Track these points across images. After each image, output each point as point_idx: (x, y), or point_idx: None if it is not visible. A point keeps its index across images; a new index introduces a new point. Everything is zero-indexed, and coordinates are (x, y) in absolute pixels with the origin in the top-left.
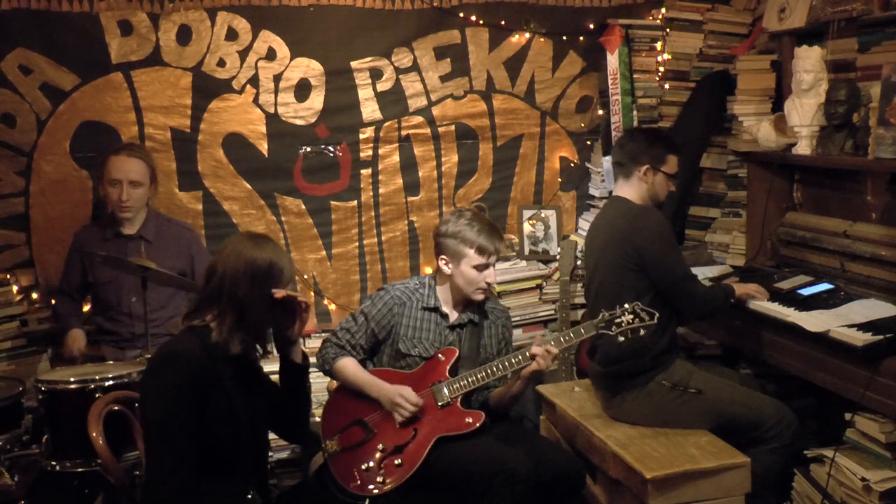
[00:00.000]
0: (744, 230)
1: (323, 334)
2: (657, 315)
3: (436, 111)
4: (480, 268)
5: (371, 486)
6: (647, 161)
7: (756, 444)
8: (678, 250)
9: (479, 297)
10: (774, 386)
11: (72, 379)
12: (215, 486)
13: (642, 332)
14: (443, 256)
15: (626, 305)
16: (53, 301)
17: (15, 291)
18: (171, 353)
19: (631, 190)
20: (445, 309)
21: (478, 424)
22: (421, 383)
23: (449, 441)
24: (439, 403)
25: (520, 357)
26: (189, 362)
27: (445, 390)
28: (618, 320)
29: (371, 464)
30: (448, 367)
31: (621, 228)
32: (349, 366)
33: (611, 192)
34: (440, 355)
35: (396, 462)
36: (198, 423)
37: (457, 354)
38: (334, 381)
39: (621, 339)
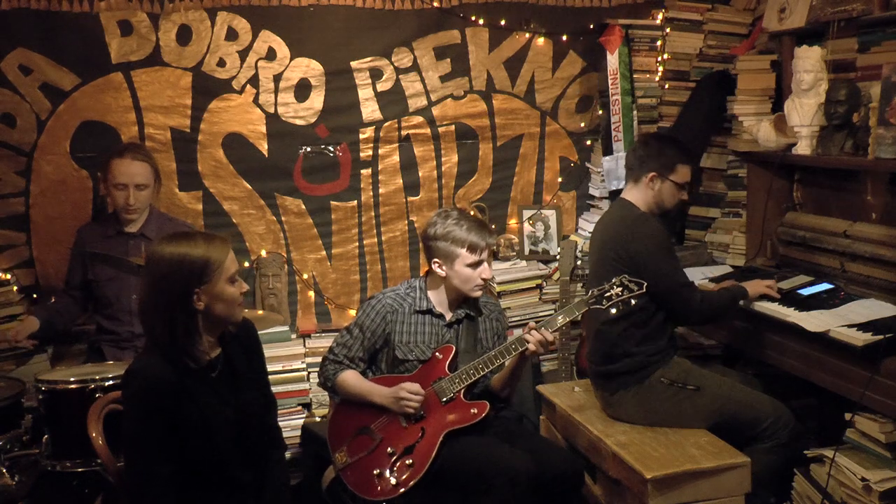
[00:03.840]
0: (744, 230)
1: (323, 334)
2: (646, 284)
3: (436, 111)
4: (474, 265)
5: (387, 490)
6: (654, 168)
7: (753, 443)
8: (675, 258)
9: (478, 293)
10: (774, 386)
11: (72, 379)
12: (208, 501)
13: (633, 302)
14: (435, 259)
15: (614, 279)
16: (54, 299)
17: (15, 291)
18: (130, 373)
19: (637, 195)
20: (440, 309)
21: (483, 414)
22: (422, 383)
23: (457, 435)
24: (443, 399)
25: (516, 345)
26: (146, 382)
27: (447, 386)
28: (607, 294)
29: (383, 468)
30: (447, 364)
31: (619, 232)
32: (350, 378)
33: (610, 192)
34: (438, 353)
35: (408, 462)
36: (171, 440)
37: (454, 351)
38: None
39: (613, 311)
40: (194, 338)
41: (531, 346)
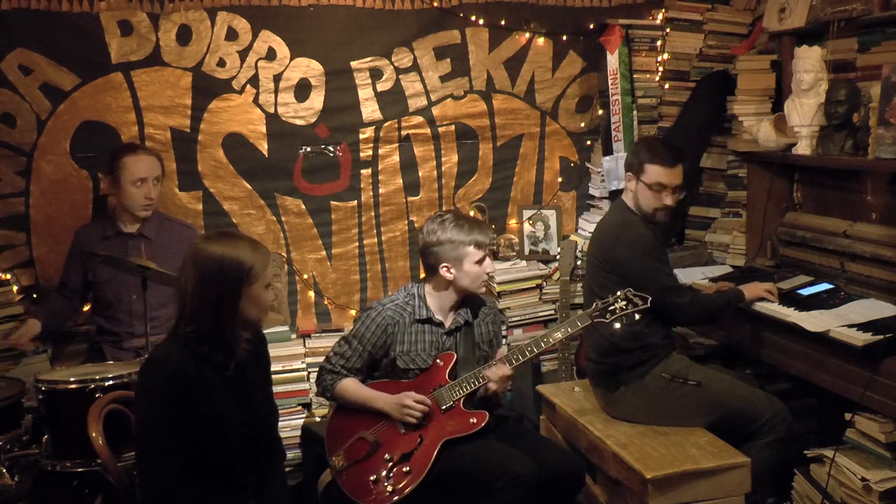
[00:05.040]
0: (744, 230)
1: (323, 334)
2: (650, 299)
3: (436, 111)
4: (480, 261)
5: (382, 497)
6: (628, 167)
7: (751, 439)
8: (660, 263)
9: (483, 289)
10: (774, 386)
11: (72, 379)
12: (211, 496)
13: (637, 316)
14: (444, 264)
15: (619, 293)
16: (35, 296)
17: (15, 291)
18: (152, 360)
19: (627, 195)
20: (439, 317)
21: (482, 424)
22: (422, 390)
23: (455, 443)
24: (442, 408)
25: (518, 356)
26: (168, 369)
27: (447, 394)
28: (611, 308)
29: (380, 475)
30: (447, 372)
31: (607, 236)
32: (350, 386)
33: (610, 192)
34: (438, 360)
35: (405, 469)
36: (184, 431)
37: (455, 358)
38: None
39: (617, 325)
40: (236, 330)
41: (492, 385)
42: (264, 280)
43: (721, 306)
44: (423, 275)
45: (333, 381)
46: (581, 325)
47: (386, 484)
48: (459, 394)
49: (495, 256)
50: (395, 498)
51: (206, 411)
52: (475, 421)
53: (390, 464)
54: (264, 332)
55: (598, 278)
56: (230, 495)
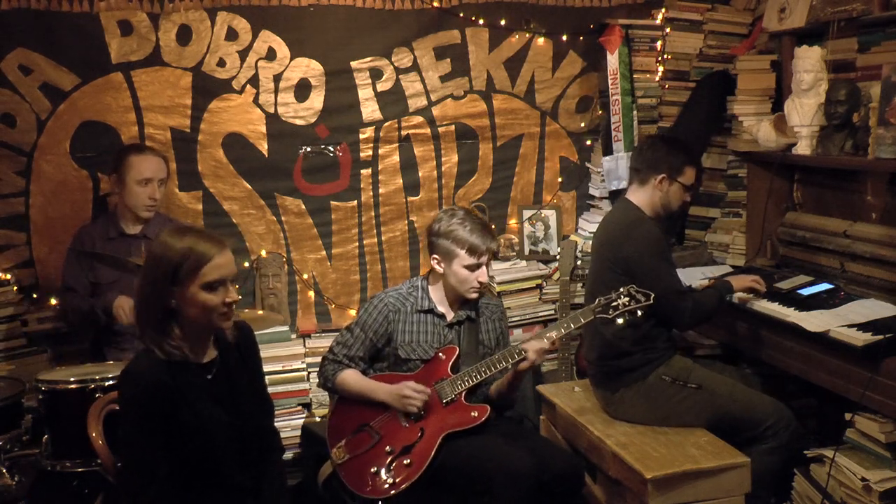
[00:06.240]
0: (744, 230)
1: (323, 334)
2: (653, 296)
3: (436, 111)
4: (472, 267)
5: (383, 489)
6: (664, 170)
7: (753, 444)
8: (668, 264)
9: (473, 295)
10: (774, 386)
11: (72, 379)
12: (205, 501)
13: (639, 313)
14: (435, 256)
15: (622, 289)
16: (55, 301)
17: (15, 291)
18: (125, 374)
19: (642, 196)
20: (441, 308)
21: (483, 418)
22: (424, 383)
23: (456, 437)
24: (444, 401)
25: (515, 354)
26: (141, 384)
27: (448, 387)
28: (614, 304)
29: (381, 467)
30: (450, 365)
31: (615, 235)
32: (351, 377)
33: (610, 192)
34: (441, 354)
35: (406, 462)
36: (167, 440)
37: (457, 352)
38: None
39: (620, 321)
40: (166, 334)
41: (531, 356)
42: (201, 278)
43: (716, 306)
44: (425, 268)
45: (335, 371)
46: (584, 320)
47: (386, 476)
48: (461, 387)
49: (495, 257)
50: (395, 490)
51: (187, 419)
52: (476, 414)
53: (391, 456)
54: (265, 331)
55: (604, 277)
56: (225, 499)
